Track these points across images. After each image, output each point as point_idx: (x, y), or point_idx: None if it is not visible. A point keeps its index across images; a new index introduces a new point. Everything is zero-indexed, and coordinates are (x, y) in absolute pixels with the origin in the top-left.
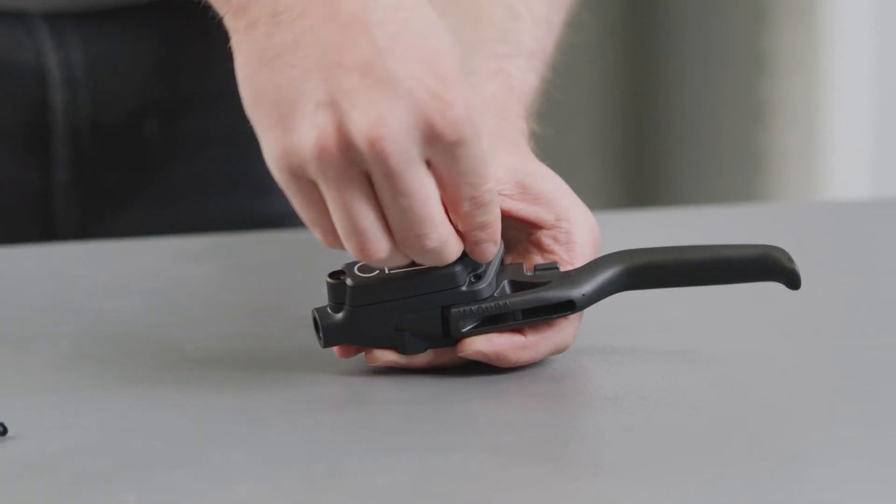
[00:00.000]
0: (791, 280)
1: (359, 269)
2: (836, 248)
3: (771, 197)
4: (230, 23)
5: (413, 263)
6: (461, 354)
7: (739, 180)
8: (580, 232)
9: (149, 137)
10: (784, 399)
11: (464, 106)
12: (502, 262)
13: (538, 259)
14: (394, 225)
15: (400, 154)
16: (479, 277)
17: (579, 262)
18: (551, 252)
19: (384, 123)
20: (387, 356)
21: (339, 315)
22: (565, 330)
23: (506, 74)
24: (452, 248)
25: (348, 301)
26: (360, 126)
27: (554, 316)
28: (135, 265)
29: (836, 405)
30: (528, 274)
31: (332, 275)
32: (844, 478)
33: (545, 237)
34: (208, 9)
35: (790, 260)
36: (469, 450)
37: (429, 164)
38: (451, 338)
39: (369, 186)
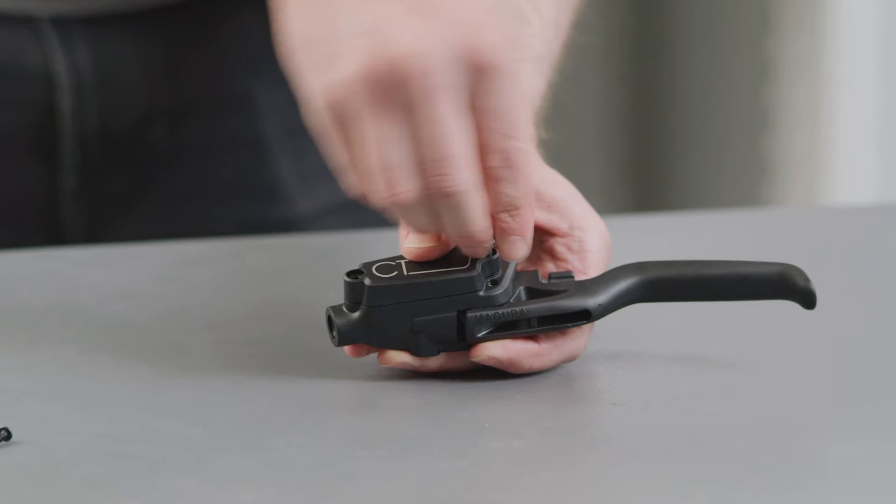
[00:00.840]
0: (807, 300)
1: (377, 270)
2: (841, 253)
3: (776, 201)
4: None
5: (432, 265)
6: (475, 359)
7: (745, 185)
8: (593, 241)
9: (155, 142)
10: (789, 404)
11: (505, 35)
12: (517, 269)
13: (550, 266)
14: (421, 159)
15: (437, 75)
16: (495, 283)
17: (592, 271)
18: (564, 260)
19: (424, 41)
20: (399, 357)
21: (355, 314)
22: (577, 339)
23: None
24: (475, 206)
25: (365, 301)
26: (401, 44)
27: (569, 325)
28: (139, 270)
29: (841, 410)
30: (544, 282)
31: (349, 274)
32: (848, 483)
33: (558, 245)
34: (215, 14)
35: (806, 279)
36: (476, 455)
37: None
38: (465, 342)
39: (406, 122)
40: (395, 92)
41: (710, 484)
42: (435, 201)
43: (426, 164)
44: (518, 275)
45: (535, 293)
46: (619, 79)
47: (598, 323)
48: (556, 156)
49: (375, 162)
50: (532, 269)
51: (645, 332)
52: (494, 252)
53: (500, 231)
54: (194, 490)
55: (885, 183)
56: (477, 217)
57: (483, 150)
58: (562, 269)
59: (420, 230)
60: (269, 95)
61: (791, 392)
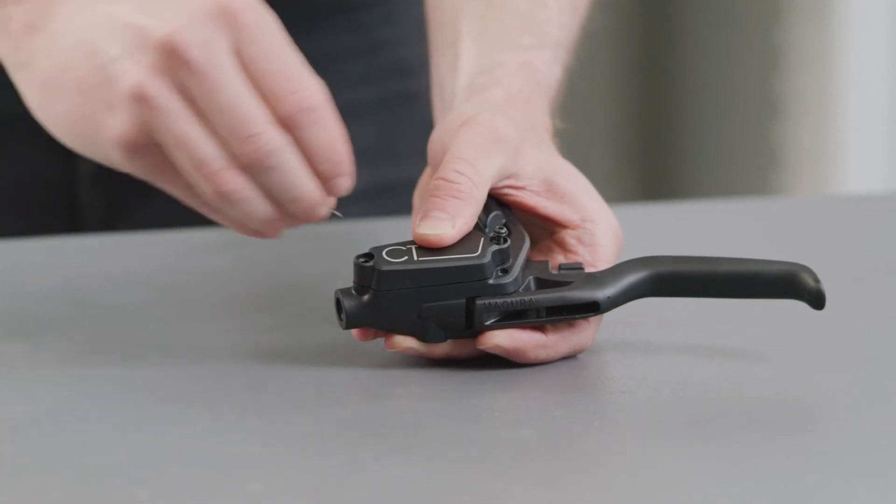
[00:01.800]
0: (816, 300)
1: (387, 254)
2: (850, 242)
3: (785, 191)
4: (11, 64)
5: (442, 252)
6: (481, 347)
7: (754, 174)
8: (604, 234)
9: None
10: (798, 393)
11: None
12: (527, 259)
13: (560, 258)
14: (225, 139)
15: (198, 45)
16: (505, 272)
17: (602, 264)
18: (574, 253)
19: (174, 25)
20: (406, 342)
21: (364, 298)
22: (585, 332)
23: (532, 68)
24: (295, 163)
25: (374, 284)
26: (156, 38)
27: (577, 316)
28: (151, 258)
29: (850, 399)
30: (554, 272)
31: (360, 257)
32: (858, 471)
33: (569, 237)
34: None
35: (816, 280)
36: (485, 444)
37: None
38: (472, 330)
39: (195, 106)
40: (174, 94)
41: (719, 472)
42: (257, 174)
43: (231, 136)
44: (528, 264)
45: (544, 283)
46: (629, 68)
47: (607, 312)
48: (566, 145)
49: (188, 166)
50: (542, 259)
51: (654, 322)
52: (506, 240)
53: (322, 177)
54: (203, 479)
55: (894, 171)
56: (301, 174)
57: (274, 103)
58: (572, 262)
59: (258, 221)
60: None
61: (800, 382)
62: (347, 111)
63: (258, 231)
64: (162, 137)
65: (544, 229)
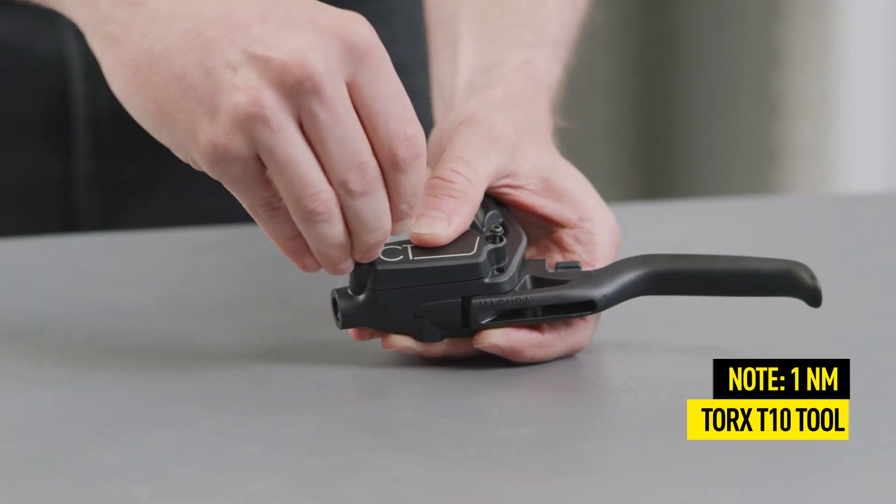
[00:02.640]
0: (813, 298)
1: (383, 253)
2: (849, 241)
3: (785, 189)
4: (97, 34)
5: (438, 251)
6: (477, 346)
7: (754, 173)
8: (602, 233)
9: None
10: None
11: (367, 25)
12: (524, 258)
13: (558, 257)
14: (333, 165)
15: (328, 75)
16: (501, 271)
17: (599, 263)
18: (572, 252)
19: (303, 49)
20: (403, 342)
21: (360, 297)
22: (582, 331)
23: (532, 66)
24: (382, 203)
25: (371, 284)
26: (283, 59)
27: (573, 315)
28: (151, 257)
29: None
30: (550, 271)
31: None
32: (858, 470)
33: (567, 236)
34: None
35: (812, 277)
36: (485, 443)
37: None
38: (469, 328)
39: (306, 137)
40: (290, 112)
41: (719, 472)
42: (352, 200)
43: (341, 163)
44: (525, 263)
45: (541, 282)
46: (629, 67)
47: (606, 311)
48: (566, 143)
49: (289, 187)
50: (540, 258)
51: (653, 321)
52: (502, 239)
53: (397, 217)
54: (203, 478)
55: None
56: (385, 208)
57: (383, 141)
58: (569, 261)
59: (329, 246)
60: None
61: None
62: None
63: (301, 255)
64: (269, 156)
65: (542, 228)
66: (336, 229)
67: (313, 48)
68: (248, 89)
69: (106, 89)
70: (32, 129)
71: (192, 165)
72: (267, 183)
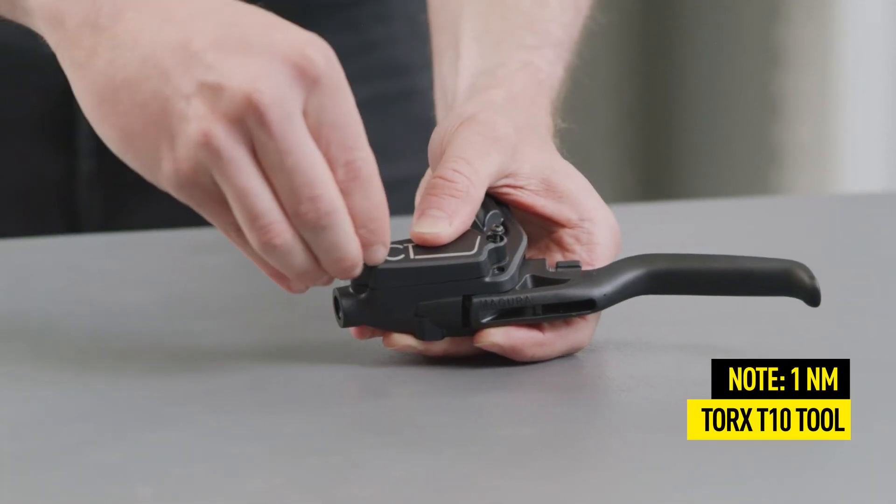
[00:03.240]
0: (812, 298)
1: None
2: (849, 241)
3: (785, 190)
4: (65, 59)
5: (438, 250)
6: (478, 345)
7: (753, 173)
8: (602, 233)
9: None
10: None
11: (323, 49)
12: (524, 257)
13: (558, 257)
14: (285, 195)
15: (277, 105)
16: (502, 270)
17: (599, 263)
18: (572, 251)
19: (254, 79)
20: (404, 340)
21: (361, 296)
22: (582, 330)
23: (534, 68)
24: (347, 226)
25: (372, 283)
26: (233, 89)
27: (573, 314)
28: (153, 257)
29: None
30: (551, 270)
31: None
32: (858, 470)
33: (567, 236)
34: None
35: (811, 277)
36: (485, 442)
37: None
38: (470, 327)
39: (259, 168)
40: (242, 143)
41: (719, 470)
42: (308, 231)
43: (293, 195)
44: (525, 263)
45: (541, 281)
46: (629, 68)
47: (607, 311)
48: (566, 144)
49: (242, 215)
50: (540, 258)
51: (653, 320)
52: (502, 238)
53: (361, 242)
54: (205, 477)
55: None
56: (350, 236)
57: (331, 166)
58: (569, 260)
59: (295, 273)
60: None
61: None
62: None
63: (286, 279)
64: (222, 184)
65: (543, 228)
66: (298, 258)
67: (263, 77)
68: (198, 120)
69: None
70: (34, 129)
71: (160, 188)
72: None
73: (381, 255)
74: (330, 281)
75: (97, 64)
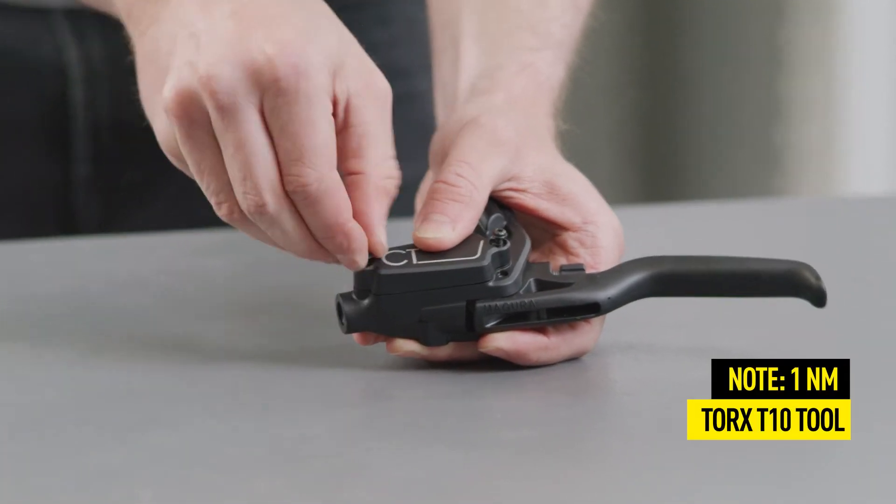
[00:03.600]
0: (817, 298)
1: (387, 258)
2: (853, 244)
3: (789, 192)
4: (135, 38)
5: (442, 255)
6: (482, 350)
7: (757, 176)
8: (606, 236)
9: None
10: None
11: (299, 56)
12: (528, 261)
13: (562, 260)
14: (233, 179)
15: (227, 94)
16: (505, 274)
17: (603, 266)
18: (576, 255)
19: (216, 59)
20: (408, 346)
21: (364, 302)
22: (587, 334)
23: (534, 69)
24: (289, 225)
25: (375, 289)
26: (199, 68)
27: (578, 318)
28: (152, 260)
29: (853, 400)
30: (555, 274)
31: None
32: (859, 470)
33: (570, 239)
34: None
35: (817, 278)
36: (488, 445)
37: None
38: (474, 332)
39: (218, 144)
40: (198, 116)
41: (722, 473)
42: (254, 218)
43: (236, 183)
44: (529, 266)
45: (545, 285)
46: (632, 69)
47: (611, 314)
48: (568, 146)
49: (202, 184)
50: (544, 261)
51: (657, 323)
52: (506, 242)
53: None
54: (207, 479)
55: None
56: (293, 235)
57: (282, 173)
58: (573, 263)
59: (277, 243)
60: None
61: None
62: None
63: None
64: (185, 155)
65: (546, 231)
66: (269, 234)
67: (223, 64)
68: (174, 89)
69: (105, 94)
70: (32, 134)
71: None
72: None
73: (358, 263)
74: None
75: (144, 44)
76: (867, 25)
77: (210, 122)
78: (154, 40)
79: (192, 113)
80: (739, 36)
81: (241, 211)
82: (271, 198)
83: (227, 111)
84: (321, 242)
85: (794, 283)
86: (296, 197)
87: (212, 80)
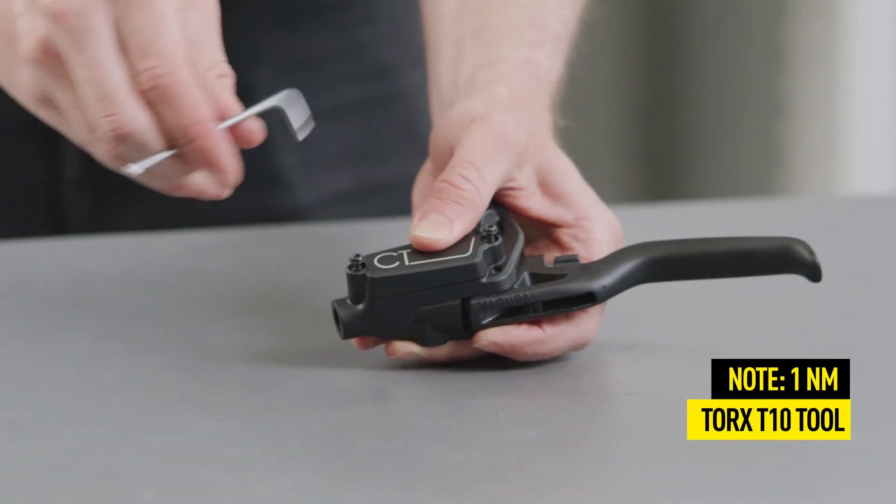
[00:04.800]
0: (812, 272)
1: (378, 261)
2: (856, 243)
3: (791, 191)
4: None
5: (433, 254)
6: (476, 346)
7: (759, 175)
8: (600, 229)
9: None
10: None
11: None
12: (522, 255)
13: (556, 255)
14: (87, 106)
15: (77, 14)
16: (499, 269)
17: (599, 258)
18: (570, 249)
19: None
20: (406, 348)
21: (359, 307)
22: (584, 324)
23: (533, 64)
24: (151, 139)
25: (368, 293)
26: (44, 3)
27: (574, 308)
28: (146, 260)
29: (855, 400)
30: (549, 266)
31: (351, 266)
32: (860, 470)
33: (564, 235)
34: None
35: (811, 252)
36: (489, 445)
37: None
38: (472, 330)
39: (71, 69)
40: (55, 47)
41: (725, 473)
42: (119, 144)
43: (92, 108)
44: (523, 260)
45: (539, 278)
46: (633, 67)
47: (611, 312)
48: (569, 145)
49: (72, 128)
50: (538, 255)
51: (658, 323)
52: (497, 238)
53: (190, 165)
54: (208, 481)
55: None
56: (157, 150)
57: (135, 78)
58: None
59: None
60: (271, 85)
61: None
62: (330, 112)
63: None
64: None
65: (540, 229)
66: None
67: None
68: (27, 34)
69: None
70: (21, 133)
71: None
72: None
73: (223, 185)
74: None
75: None
76: (869, 25)
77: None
78: None
79: (50, 49)
80: (741, 35)
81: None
82: (130, 107)
83: (79, 32)
84: (185, 154)
85: (788, 258)
86: (152, 94)
87: (58, 5)
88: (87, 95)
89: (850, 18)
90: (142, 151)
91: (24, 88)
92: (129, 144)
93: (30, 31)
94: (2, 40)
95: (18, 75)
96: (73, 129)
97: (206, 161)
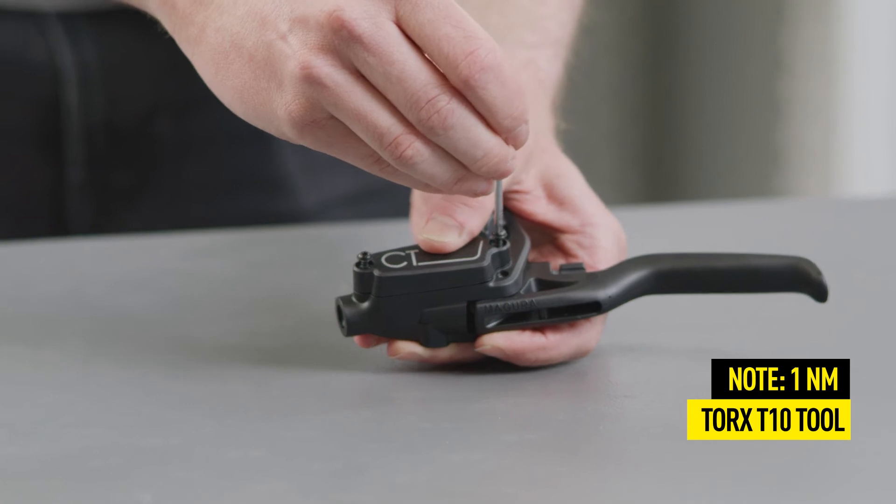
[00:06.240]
0: (818, 293)
1: (386, 260)
2: (854, 245)
3: (789, 193)
4: (182, 39)
5: (442, 256)
6: (479, 350)
7: (758, 177)
8: (605, 237)
9: (161, 136)
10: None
11: None
12: (528, 261)
13: (561, 261)
14: (403, 107)
15: (364, 19)
16: (506, 274)
17: (603, 266)
18: (574, 256)
19: (335, 1)
20: (409, 348)
21: (364, 305)
22: (587, 333)
23: (535, 67)
24: (473, 122)
25: (374, 291)
26: (316, 15)
27: (579, 316)
28: (147, 262)
29: (855, 401)
30: (555, 273)
31: (359, 263)
32: (861, 470)
33: (569, 241)
34: None
35: (818, 272)
36: (489, 447)
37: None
38: (475, 333)
39: (368, 87)
40: (342, 67)
41: (724, 475)
42: (437, 137)
43: (406, 105)
44: (529, 266)
45: (545, 285)
46: (633, 70)
47: (611, 316)
48: (569, 147)
49: (367, 135)
50: (543, 261)
51: (658, 325)
52: (504, 243)
53: (504, 133)
54: (206, 482)
55: None
56: (481, 132)
57: (446, 67)
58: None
59: (443, 181)
60: None
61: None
62: None
63: (452, 188)
64: (337, 113)
65: (544, 235)
66: (440, 167)
67: None
68: (295, 55)
69: (99, 98)
70: (25, 137)
71: (293, 142)
72: (360, 139)
73: (525, 133)
74: (489, 188)
75: (208, 35)
76: (868, 26)
77: (352, 63)
78: (223, 30)
79: (336, 56)
80: (740, 38)
81: (412, 140)
82: (445, 97)
83: (369, 36)
84: (505, 130)
85: (795, 278)
86: (477, 77)
87: (341, 13)
88: (394, 94)
89: (849, 21)
90: (455, 136)
91: (294, 114)
92: (446, 133)
93: (301, 49)
94: (257, 66)
95: (283, 101)
96: (351, 148)
97: (513, 135)
